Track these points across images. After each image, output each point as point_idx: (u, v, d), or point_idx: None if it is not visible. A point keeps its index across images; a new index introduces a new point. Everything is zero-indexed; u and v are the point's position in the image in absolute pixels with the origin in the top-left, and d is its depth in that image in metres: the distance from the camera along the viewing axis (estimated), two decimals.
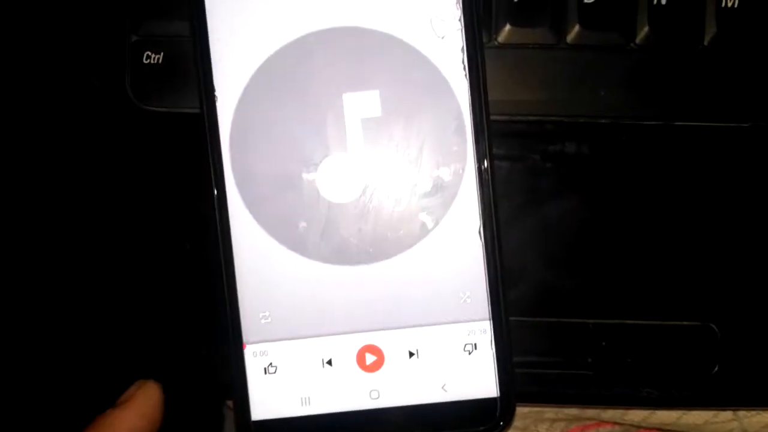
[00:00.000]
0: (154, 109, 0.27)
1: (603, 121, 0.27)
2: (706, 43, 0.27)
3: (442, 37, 0.25)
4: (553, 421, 0.29)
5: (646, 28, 0.27)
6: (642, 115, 0.27)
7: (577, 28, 0.27)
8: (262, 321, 0.25)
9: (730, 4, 0.26)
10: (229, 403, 0.30)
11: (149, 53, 0.27)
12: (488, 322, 0.25)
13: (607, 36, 0.27)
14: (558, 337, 0.27)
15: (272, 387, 0.25)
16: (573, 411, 0.28)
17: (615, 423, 0.29)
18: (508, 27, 0.27)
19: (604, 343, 0.27)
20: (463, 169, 0.25)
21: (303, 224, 0.25)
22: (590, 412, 0.28)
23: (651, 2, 0.27)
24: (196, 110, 0.26)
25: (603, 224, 0.27)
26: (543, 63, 0.27)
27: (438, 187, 0.25)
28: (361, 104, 0.25)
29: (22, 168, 0.28)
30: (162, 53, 0.27)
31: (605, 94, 0.27)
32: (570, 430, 0.29)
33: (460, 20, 0.25)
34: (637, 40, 0.27)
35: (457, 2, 0.25)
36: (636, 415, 0.28)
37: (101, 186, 0.28)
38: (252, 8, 0.25)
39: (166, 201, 0.28)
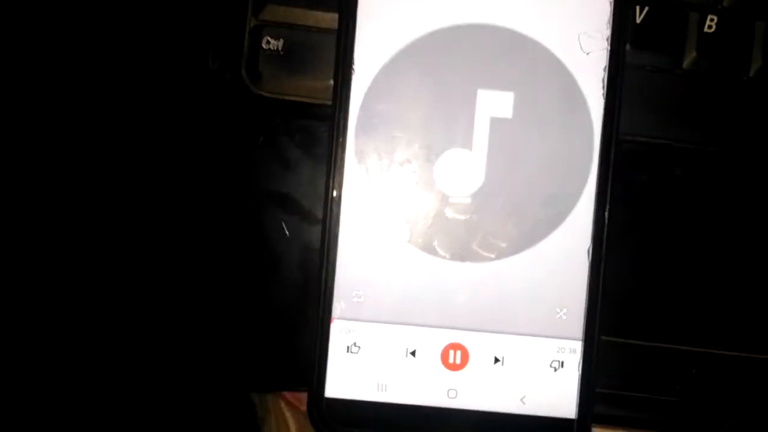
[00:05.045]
0: (268, 95, 0.27)
1: (711, 148, 0.27)
2: None
3: (588, 53, 0.25)
4: None
5: (760, 62, 0.27)
6: (751, 146, 0.27)
7: (694, 54, 0.27)
8: (354, 299, 0.25)
9: None
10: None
11: (269, 39, 0.27)
12: (579, 343, 0.25)
13: (723, 66, 0.27)
14: (647, 360, 0.27)
15: (352, 367, 0.25)
16: None
17: None
18: (627, 47, 0.27)
19: (694, 371, 0.27)
20: (583, 187, 0.25)
21: (413, 212, 0.25)
22: None
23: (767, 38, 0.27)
24: (311, 100, 0.26)
25: (704, 251, 0.27)
26: (658, 86, 0.27)
27: (554, 200, 0.25)
28: (493, 103, 0.25)
29: (132, 147, 0.27)
30: (281, 39, 0.27)
31: (715, 123, 0.27)
32: None
33: (607, 40, 0.25)
34: (751, 73, 0.27)
35: (609, 22, 0.25)
36: None
37: (207, 166, 0.28)
38: None
39: (268, 185, 0.27)
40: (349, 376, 0.25)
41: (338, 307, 0.25)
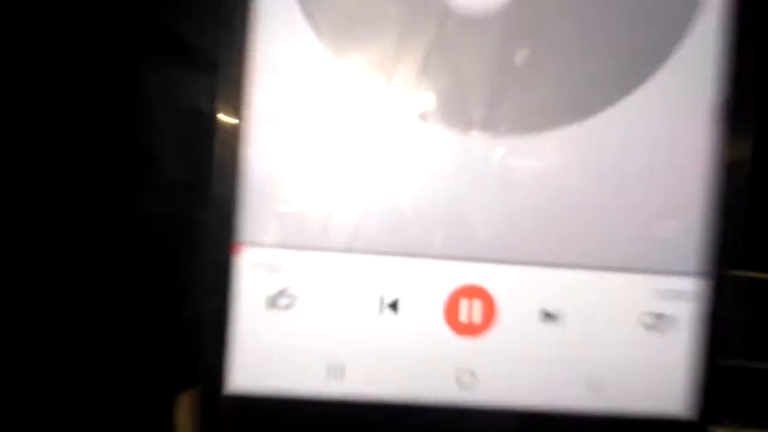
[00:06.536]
0: None
1: None
2: None
3: None
4: None
5: None
6: None
7: None
8: (281, 209, 0.13)
9: None
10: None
11: None
12: (700, 280, 0.14)
13: None
14: None
15: (278, 335, 0.13)
16: None
17: None
18: None
19: None
20: (697, 3, 0.14)
21: (396, 41, 0.13)
22: None
23: None
24: None
25: None
26: None
27: (651, 20, 0.14)
28: None
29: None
30: None
31: None
32: None
33: None
34: None
35: None
36: None
37: None
38: None
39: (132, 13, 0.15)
40: (273, 353, 0.13)
41: (252, 223, 0.13)
